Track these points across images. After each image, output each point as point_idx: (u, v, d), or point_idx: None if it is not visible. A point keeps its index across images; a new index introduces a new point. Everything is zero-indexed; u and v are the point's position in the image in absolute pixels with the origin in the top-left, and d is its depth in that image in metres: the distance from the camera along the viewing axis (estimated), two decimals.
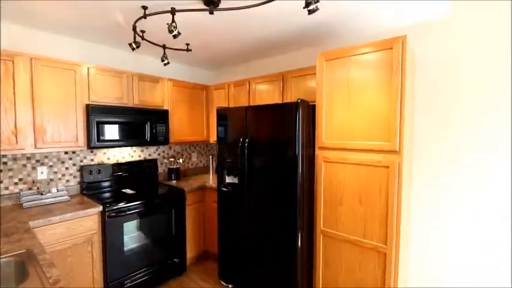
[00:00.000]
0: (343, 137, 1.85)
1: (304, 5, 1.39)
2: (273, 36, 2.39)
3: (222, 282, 2.51)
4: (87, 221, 2.01)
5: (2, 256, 1.24)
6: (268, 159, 2.08)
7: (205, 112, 3.35)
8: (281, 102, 2.59)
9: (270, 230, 2.10)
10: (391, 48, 1.63)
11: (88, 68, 2.27)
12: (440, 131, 1.92)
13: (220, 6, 1.73)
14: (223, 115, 2.43)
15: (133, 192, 2.54)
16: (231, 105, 3.07)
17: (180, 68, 3.43)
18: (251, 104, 2.85)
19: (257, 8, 1.77)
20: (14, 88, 1.91)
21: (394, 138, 1.64)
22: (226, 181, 2.42)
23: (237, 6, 1.67)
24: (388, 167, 1.67)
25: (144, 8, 1.79)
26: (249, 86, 2.89)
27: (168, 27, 1.68)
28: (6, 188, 2.13)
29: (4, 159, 2.12)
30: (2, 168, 2.11)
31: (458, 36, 1.82)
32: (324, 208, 1.98)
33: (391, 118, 1.64)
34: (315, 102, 2.01)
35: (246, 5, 1.65)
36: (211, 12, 1.67)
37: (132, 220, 2.27)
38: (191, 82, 3.21)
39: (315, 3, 1.35)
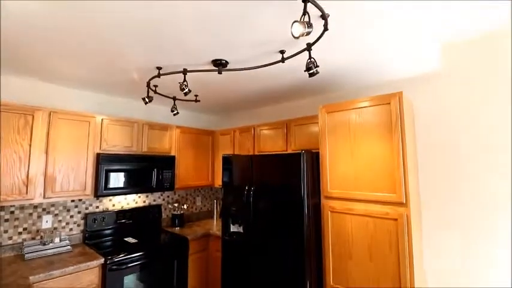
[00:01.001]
0: (348, 186, 1.86)
1: (305, 69, 1.51)
2: (276, 88, 2.55)
3: None
4: (88, 274, 1.95)
5: None
6: (274, 208, 2.07)
7: (211, 157, 3.42)
8: (285, 148, 2.65)
9: (277, 284, 2.00)
10: (389, 103, 1.72)
11: (102, 119, 2.41)
12: (445, 181, 1.92)
13: (228, 67, 1.88)
14: (229, 163, 2.48)
15: (136, 241, 2.49)
16: (237, 150, 3.14)
17: (187, 114, 3.60)
18: (256, 149, 2.92)
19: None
20: (30, 140, 2.02)
21: (400, 190, 1.64)
22: (231, 229, 2.38)
23: (242, 67, 1.82)
24: (396, 219, 1.65)
25: (159, 68, 1.96)
26: (254, 131, 2.99)
27: (180, 86, 1.82)
28: (10, 238, 2.12)
29: (12, 209, 2.14)
30: (8, 217, 2.12)
31: (451, 86, 1.92)
32: (333, 262, 1.90)
33: (394, 170, 1.67)
34: (318, 149, 2.06)
35: (251, 66, 1.80)
36: (219, 72, 1.82)
37: (133, 272, 2.19)
38: (198, 128, 3.34)
39: (315, 67, 1.47)
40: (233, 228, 2.37)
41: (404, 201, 1.63)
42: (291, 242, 1.94)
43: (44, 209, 2.29)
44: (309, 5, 1.07)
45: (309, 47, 1.50)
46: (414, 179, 1.86)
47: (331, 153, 1.97)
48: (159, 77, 1.97)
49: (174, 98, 2.62)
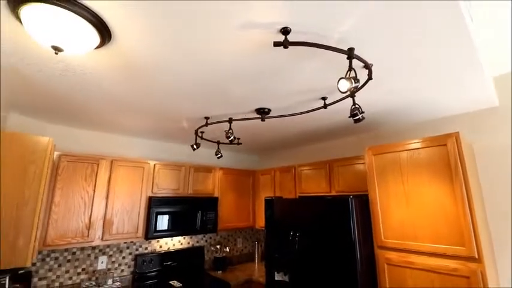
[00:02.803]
0: (405, 236, 1.69)
1: (349, 115, 1.51)
2: (318, 129, 2.55)
3: None
4: None
5: None
6: (322, 256, 1.94)
7: (252, 197, 3.43)
8: (329, 190, 2.56)
9: None
10: (445, 144, 1.61)
11: (154, 164, 2.61)
12: None
13: (271, 114, 1.97)
14: (271, 206, 2.46)
15: (180, 285, 2.49)
16: (277, 190, 3.11)
17: (228, 155, 3.74)
18: (298, 190, 2.86)
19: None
20: (95, 186, 2.25)
21: (470, 243, 1.45)
22: (276, 278, 2.26)
23: (284, 114, 1.88)
24: (468, 277, 1.43)
25: (207, 118, 2.12)
26: (295, 171, 2.96)
27: (225, 134, 1.93)
28: (70, 278, 2.27)
29: (73, 249, 2.32)
30: (70, 258, 2.30)
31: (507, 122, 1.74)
32: None
33: (460, 218, 1.49)
34: (367, 191, 1.95)
35: (293, 113, 1.86)
36: (262, 120, 1.90)
37: None
38: (239, 169, 3.42)
39: (360, 113, 1.46)
40: (277, 276, 2.25)
41: (476, 256, 1.43)
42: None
43: (100, 250, 2.45)
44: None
45: (352, 94, 1.51)
46: (485, 229, 1.63)
47: (383, 198, 1.85)
48: (207, 126, 2.12)
49: (218, 142, 2.76)
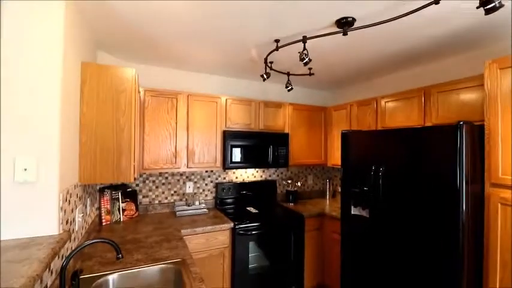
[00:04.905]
0: None
1: (478, 4, 1.08)
2: (409, 47, 2.05)
3: None
4: (221, 235, 2.24)
5: (165, 262, 1.49)
6: (414, 194, 1.72)
7: (323, 134, 3.24)
8: (422, 122, 2.15)
9: (415, 281, 1.69)
10: None
11: (226, 99, 2.63)
12: None
13: (355, 25, 1.61)
14: (349, 139, 2.25)
15: (257, 211, 2.68)
16: (354, 126, 2.82)
17: (298, 91, 3.50)
18: (379, 125, 2.53)
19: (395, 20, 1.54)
20: (176, 119, 2.42)
21: None
22: (352, 212, 2.18)
23: (374, 22, 1.50)
24: None
25: (277, 41, 1.90)
26: (377, 104, 2.58)
27: (299, 56, 1.70)
28: (166, 198, 2.68)
29: (166, 175, 2.68)
30: (164, 181, 2.68)
31: None
32: (500, 273, 1.42)
33: None
34: (477, 122, 1.54)
35: (385, 19, 1.46)
36: (344, 34, 1.58)
37: (256, 239, 2.37)
38: (310, 104, 3.20)
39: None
40: (354, 210, 2.16)
41: None
42: (438, 237, 1.57)
43: (187, 177, 2.77)
44: None
45: None
46: None
47: (506, 126, 1.42)
48: (277, 50, 1.91)
49: (288, 74, 2.55)
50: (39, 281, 0.98)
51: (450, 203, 1.50)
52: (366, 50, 2.13)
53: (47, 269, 1.06)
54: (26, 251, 0.97)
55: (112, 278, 1.34)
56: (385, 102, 2.49)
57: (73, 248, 1.27)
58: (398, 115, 2.36)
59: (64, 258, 1.07)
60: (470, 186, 1.50)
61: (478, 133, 1.55)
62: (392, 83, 2.84)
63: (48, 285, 1.07)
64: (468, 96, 1.85)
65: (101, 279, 1.30)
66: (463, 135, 1.45)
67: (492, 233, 1.46)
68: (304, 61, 1.70)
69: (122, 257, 1.10)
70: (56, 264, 1.17)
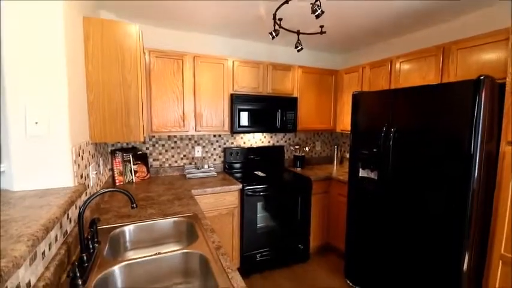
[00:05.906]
0: None
1: None
2: (426, 4, 1.89)
3: (349, 282, 2.34)
4: (230, 195, 2.30)
5: (178, 216, 1.55)
6: (425, 156, 1.69)
7: (333, 99, 3.15)
8: (439, 80, 2.05)
9: (420, 242, 1.73)
10: None
11: (233, 61, 2.54)
12: None
13: None
14: (360, 100, 2.18)
15: (264, 175, 2.71)
16: (365, 89, 2.73)
17: (308, 53, 3.35)
18: (393, 86, 2.43)
19: None
20: (182, 81, 2.37)
21: None
22: (360, 174, 2.18)
23: None
24: None
25: None
26: (391, 66, 2.46)
27: (311, 7, 1.59)
28: (176, 162, 2.73)
29: (175, 139, 2.71)
30: (173, 145, 2.71)
31: None
32: (508, 228, 1.43)
33: None
34: (498, 79, 1.45)
35: None
36: None
37: (264, 201, 2.44)
38: (320, 67, 3.07)
39: None
40: (362, 173, 2.16)
41: None
42: (447, 196, 1.57)
43: (195, 141, 2.79)
44: None
45: None
46: None
47: None
48: (288, 3, 1.79)
49: (298, 32, 2.41)
50: (59, 225, 1.03)
51: (462, 159, 1.47)
52: (378, 5, 1.97)
53: (66, 216, 1.11)
54: (45, 199, 1.01)
55: (128, 228, 1.41)
56: (400, 62, 2.36)
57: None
58: (414, 76, 2.25)
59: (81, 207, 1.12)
60: (485, 145, 1.46)
61: (498, 90, 1.47)
62: (408, 44, 2.67)
63: (68, 232, 1.13)
64: (490, 53, 1.73)
65: (118, 230, 1.37)
66: (482, 91, 1.37)
67: (503, 191, 1.44)
68: (316, 13, 1.59)
69: (136, 206, 1.14)
70: (74, 214, 1.22)
